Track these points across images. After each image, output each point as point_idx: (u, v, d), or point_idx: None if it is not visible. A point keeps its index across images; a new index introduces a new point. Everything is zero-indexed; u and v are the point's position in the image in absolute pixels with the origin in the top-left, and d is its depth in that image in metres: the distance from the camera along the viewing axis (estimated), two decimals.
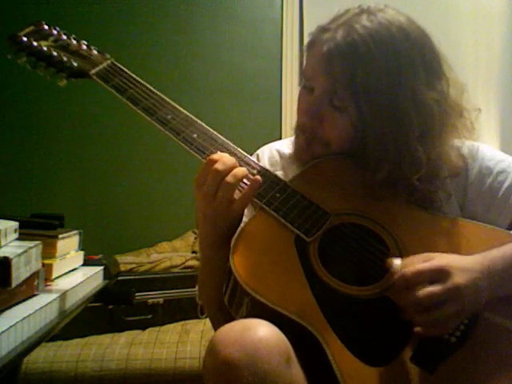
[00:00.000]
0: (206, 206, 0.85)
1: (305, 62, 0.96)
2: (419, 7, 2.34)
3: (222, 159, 0.84)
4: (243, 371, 0.67)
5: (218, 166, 0.83)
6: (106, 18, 2.36)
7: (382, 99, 0.87)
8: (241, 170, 0.85)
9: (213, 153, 0.89)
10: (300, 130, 0.97)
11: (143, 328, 1.81)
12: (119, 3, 2.38)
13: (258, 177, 0.87)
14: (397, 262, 0.82)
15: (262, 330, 0.71)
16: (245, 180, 0.86)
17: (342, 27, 0.88)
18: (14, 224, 0.96)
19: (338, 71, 0.87)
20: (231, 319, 0.92)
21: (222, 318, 0.97)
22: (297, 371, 0.73)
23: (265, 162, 1.06)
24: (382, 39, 0.87)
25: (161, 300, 1.87)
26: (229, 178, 0.83)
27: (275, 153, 1.08)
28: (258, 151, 1.10)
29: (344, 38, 0.87)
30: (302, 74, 0.96)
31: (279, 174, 1.03)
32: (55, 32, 1.05)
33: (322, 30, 0.92)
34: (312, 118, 0.93)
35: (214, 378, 0.69)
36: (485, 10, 2.47)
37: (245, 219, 1.00)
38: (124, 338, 1.73)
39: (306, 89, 0.95)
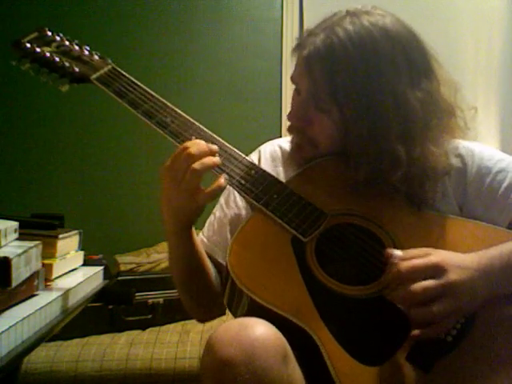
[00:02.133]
0: (172, 190, 0.86)
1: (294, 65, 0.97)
2: (419, 8, 2.34)
3: (196, 145, 0.85)
4: (240, 369, 0.67)
5: (191, 150, 0.84)
6: (106, 18, 2.36)
7: (362, 100, 0.87)
8: (211, 160, 0.85)
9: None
10: (290, 131, 1.00)
11: (143, 328, 1.81)
12: (119, 4, 2.38)
13: (224, 178, 0.87)
14: (396, 253, 0.82)
15: (259, 329, 0.71)
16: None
17: (324, 31, 0.90)
18: (14, 224, 0.96)
19: (318, 74, 0.89)
20: (197, 301, 1.00)
21: (189, 298, 1.01)
22: (294, 369, 0.73)
23: (266, 157, 1.08)
24: (362, 41, 0.88)
25: (161, 300, 1.87)
26: (196, 165, 0.83)
27: (277, 148, 1.10)
28: (261, 147, 1.12)
29: (323, 41, 0.89)
30: (291, 77, 0.98)
31: (280, 169, 1.05)
32: (58, 38, 1.06)
33: (308, 33, 0.93)
34: (300, 120, 0.96)
35: (211, 376, 0.70)
36: (485, 10, 2.47)
37: (217, 213, 1.06)
38: (124, 338, 1.73)
39: (296, 91, 0.97)
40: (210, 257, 1.04)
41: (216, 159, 0.87)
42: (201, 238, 1.08)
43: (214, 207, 1.11)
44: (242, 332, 0.70)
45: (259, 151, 1.11)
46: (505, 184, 0.95)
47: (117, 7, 2.38)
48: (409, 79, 0.89)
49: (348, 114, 0.89)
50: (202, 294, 0.99)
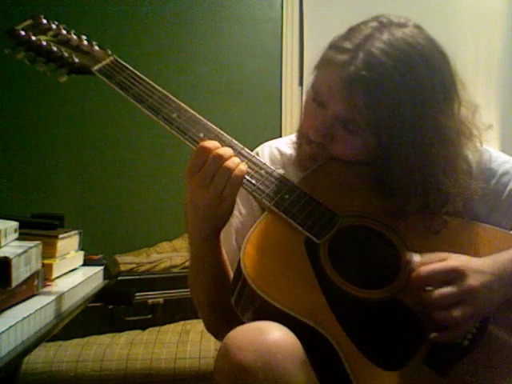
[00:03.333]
0: (200, 193, 0.84)
1: (317, 77, 0.91)
2: (419, 8, 2.34)
3: (222, 147, 0.84)
4: (258, 375, 0.66)
5: (220, 151, 0.83)
6: (106, 18, 2.36)
7: (406, 132, 0.84)
8: (238, 159, 0.85)
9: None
10: (306, 141, 0.94)
11: (143, 328, 1.81)
12: (119, 3, 2.38)
13: (243, 164, 0.85)
14: (416, 258, 0.82)
15: (276, 334, 0.70)
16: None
17: (362, 51, 0.83)
18: (14, 224, 0.96)
19: (358, 101, 0.83)
20: (222, 317, 0.95)
21: (212, 315, 0.98)
22: (310, 375, 0.72)
23: (265, 160, 1.05)
24: (406, 69, 0.83)
25: (161, 300, 1.87)
26: (229, 163, 0.82)
27: (275, 151, 1.07)
28: (258, 149, 1.09)
29: (366, 65, 0.82)
30: (313, 87, 0.91)
31: (280, 171, 1.02)
32: (54, 26, 1.02)
33: (339, 49, 0.86)
34: (323, 136, 0.90)
35: (227, 381, 0.69)
36: (485, 10, 2.47)
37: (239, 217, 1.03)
38: (124, 338, 1.73)
39: (317, 102, 0.90)
40: None
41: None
42: None
43: None
44: (259, 336, 0.69)
45: (257, 153, 1.07)
46: (509, 187, 0.94)
47: (116, 7, 2.38)
48: (445, 108, 0.86)
49: (387, 143, 0.85)
50: (230, 308, 0.91)
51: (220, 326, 0.97)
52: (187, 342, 1.69)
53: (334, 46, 0.88)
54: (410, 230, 0.88)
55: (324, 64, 0.89)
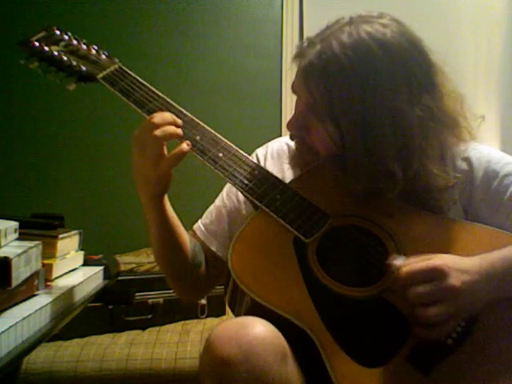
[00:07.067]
0: (139, 158, 0.90)
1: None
2: (419, 8, 2.34)
3: (160, 115, 0.89)
4: (238, 368, 0.68)
5: (154, 119, 0.88)
6: (106, 17, 2.36)
7: (357, 116, 0.86)
8: (171, 128, 0.89)
9: (215, 155, 0.92)
10: (291, 138, 1.00)
11: (143, 328, 1.81)
12: (119, 3, 2.38)
13: (186, 144, 0.90)
14: (399, 259, 0.82)
15: (258, 328, 0.72)
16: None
17: (321, 43, 0.88)
18: (14, 224, 0.96)
19: (314, 87, 0.88)
20: (174, 275, 1.05)
21: (166, 273, 1.07)
22: (292, 369, 0.73)
23: (273, 153, 1.10)
24: (357, 55, 0.85)
25: (161, 300, 1.87)
26: (157, 132, 0.87)
27: (284, 146, 1.11)
28: (269, 143, 1.14)
29: (317, 54, 0.87)
30: (291, 85, 0.97)
31: (286, 166, 1.06)
32: (66, 37, 1.07)
33: (307, 43, 0.91)
34: (299, 128, 0.95)
35: (209, 374, 0.70)
36: (485, 10, 2.47)
37: (217, 202, 1.09)
38: (124, 338, 1.73)
39: (296, 95, 0.96)
40: (203, 245, 1.06)
41: (178, 129, 0.90)
42: (198, 224, 1.10)
43: (216, 197, 1.13)
44: (241, 331, 0.71)
45: (267, 146, 1.13)
46: (511, 188, 0.94)
47: (117, 7, 2.37)
48: (408, 95, 0.86)
49: (343, 128, 0.87)
50: (177, 268, 1.02)
51: (175, 283, 1.09)
52: (187, 341, 1.69)
53: (306, 40, 0.93)
54: (401, 228, 0.89)
55: (294, 57, 0.94)
